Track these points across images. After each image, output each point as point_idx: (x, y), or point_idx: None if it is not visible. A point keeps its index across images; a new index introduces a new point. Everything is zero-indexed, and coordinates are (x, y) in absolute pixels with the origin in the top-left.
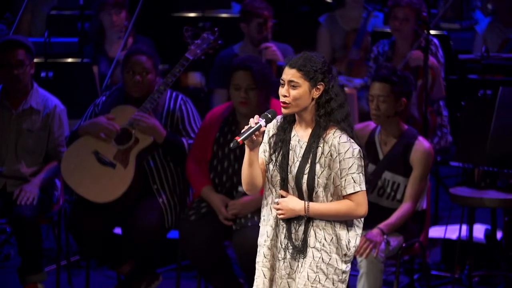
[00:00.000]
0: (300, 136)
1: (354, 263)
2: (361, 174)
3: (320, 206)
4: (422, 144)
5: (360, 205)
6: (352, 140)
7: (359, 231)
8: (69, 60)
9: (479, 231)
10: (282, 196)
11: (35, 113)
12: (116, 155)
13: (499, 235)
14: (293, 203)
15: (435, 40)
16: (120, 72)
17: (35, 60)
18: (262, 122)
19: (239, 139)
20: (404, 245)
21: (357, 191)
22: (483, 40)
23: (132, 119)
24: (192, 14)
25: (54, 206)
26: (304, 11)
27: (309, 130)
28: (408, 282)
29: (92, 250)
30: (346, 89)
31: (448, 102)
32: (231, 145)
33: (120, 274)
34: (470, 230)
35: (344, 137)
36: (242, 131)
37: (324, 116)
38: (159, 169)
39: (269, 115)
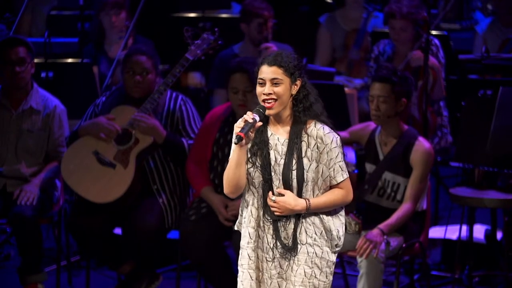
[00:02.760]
0: (279, 134)
1: (354, 263)
2: (344, 162)
3: (318, 200)
4: (422, 144)
5: (349, 191)
6: (332, 130)
7: (343, 219)
8: (69, 60)
9: (479, 231)
10: (279, 194)
11: (35, 113)
12: (116, 155)
13: (499, 235)
14: (293, 203)
15: (436, 41)
16: (120, 72)
17: (35, 60)
18: (256, 117)
19: (242, 134)
20: (404, 245)
21: (345, 178)
22: (483, 40)
23: (132, 119)
24: (192, 14)
25: (54, 206)
26: (304, 11)
27: (287, 127)
28: (408, 282)
29: (92, 250)
30: (346, 89)
31: (448, 102)
32: (235, 141)
33: (120, 274)
34: (470, 230)
35: (327, 128)
36: (241, 126)
37: (304, 111)
38: (159, 170)
39: (261, 110)
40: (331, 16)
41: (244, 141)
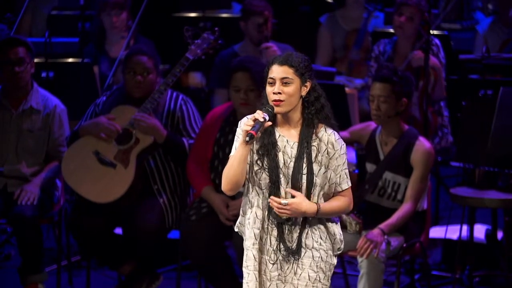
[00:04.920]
0: (287, 136)
1: (354, 263)
2: (348, 170)
3: (328, 206)
4: (422, 144)
5: (351, 200)
6: (340, 137)
7: (339, 224)
8: (70, 60)
9: (479, 231)
10: (277, 195)
11: (35, 113)
12: (117, 155)
13: (499, 235)
14: (305, 205)
15: (437, 41)
16: (121, 72)
17: (36, 60)
18: (266, 116)
19: (254, 132)
20: (404, 245)
21: (349, 186)
22: (484, 40)
23: (133, 119)
24: (192, 14)
25: (54, 206)
26: (304, 11)
27: (296, 130)
28: (409, 282)
29: (93, 250)
30: (346, 89)
31: (448, 102)
32: (247, 139)
33: (121, 274)
34: (471, 230)
35: (337, 134)
36: (251, 125)
37: (316, 114)
38: (160, 169)
39: (270, 110)
40: (331, 16)
41: (254, 139)
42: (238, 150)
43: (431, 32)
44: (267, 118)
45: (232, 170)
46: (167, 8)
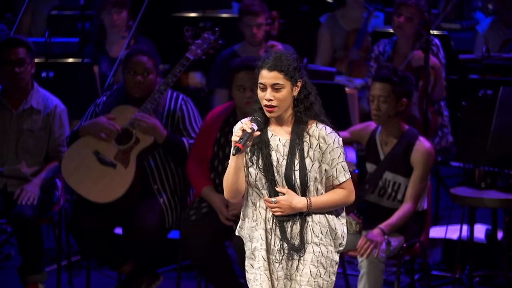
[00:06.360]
0: (280, 135)
1: (355, 263)
2: (346, 162)
3: (320, 199)
4: (422, 144)
5: (351, 192)
6: (333, 130)
7: (343, 220)
8: (70, 60)
9: (479, 231)
10: (275, 194)
11: (35, 113)
12: (117, 155)
13: (499, 235)
14: (295, 201)
15: (436, 41)
16: (121, 72)
17: (36, 60)
18: (255, 126)
19: (241, 145)
20: (404, 245)
21: (347, 179)
22: (484, 40)
23: (133, 119)
24: (192, 14)
25: (54, 206)
26: (304, 11)
27: (288, 128)
28: (409, 282)
29: (93, 250)
30: (346, 89)
31: (448, 102)
32: (233, 152)
33: (121, 274)
34: (471, 230)
35: (328, 128)
36: (239, 137)
37: (305, 111)
38: (160, 169)
39: (259, 119)
40: (331, 16)
41: (244, 149)
42: (231, 160)
43: (431, 32)
44: (255, 128)
45: (230, 179)
46: (167, 8)
